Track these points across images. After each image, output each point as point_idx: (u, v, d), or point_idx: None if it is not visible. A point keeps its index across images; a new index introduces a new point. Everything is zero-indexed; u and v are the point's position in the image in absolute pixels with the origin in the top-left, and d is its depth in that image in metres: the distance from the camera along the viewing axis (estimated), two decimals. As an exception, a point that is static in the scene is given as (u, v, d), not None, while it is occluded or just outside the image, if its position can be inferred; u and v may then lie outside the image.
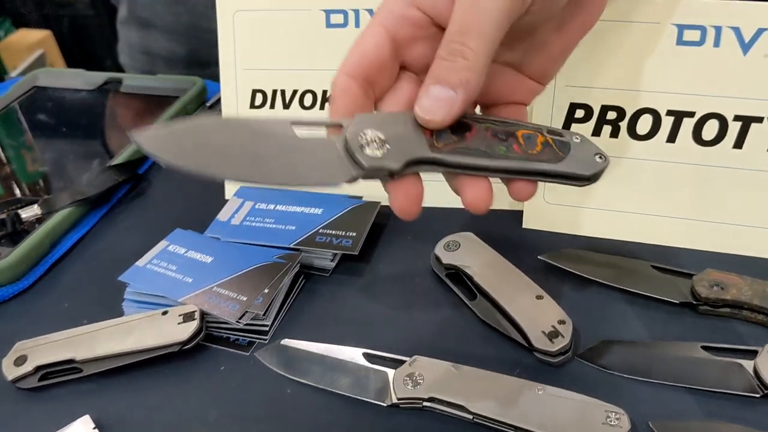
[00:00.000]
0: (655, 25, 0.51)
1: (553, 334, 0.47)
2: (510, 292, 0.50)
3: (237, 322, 0.50)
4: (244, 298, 0.51)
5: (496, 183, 0.39)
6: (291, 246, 0.56)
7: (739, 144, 0.52)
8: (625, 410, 0.42)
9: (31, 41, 2.10)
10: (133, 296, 0.54)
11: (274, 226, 0.58)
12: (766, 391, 0.43)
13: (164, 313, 0.50)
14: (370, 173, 0.36)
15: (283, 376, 0.48)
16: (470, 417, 0.43)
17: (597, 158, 0.39)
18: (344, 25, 0.59)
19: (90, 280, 0.58)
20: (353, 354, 0.48)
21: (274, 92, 0.62)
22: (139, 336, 0.49)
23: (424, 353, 0.47)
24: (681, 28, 0.51)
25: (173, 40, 0.94)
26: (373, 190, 0.60)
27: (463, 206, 0.39)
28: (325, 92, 0.61)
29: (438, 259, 0.54)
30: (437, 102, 0.37)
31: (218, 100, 0.77)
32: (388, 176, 0.37)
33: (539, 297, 0.49)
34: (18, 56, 2.05)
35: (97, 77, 0.83)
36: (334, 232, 0.56)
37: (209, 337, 0.51)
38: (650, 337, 0.49)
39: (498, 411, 0.43)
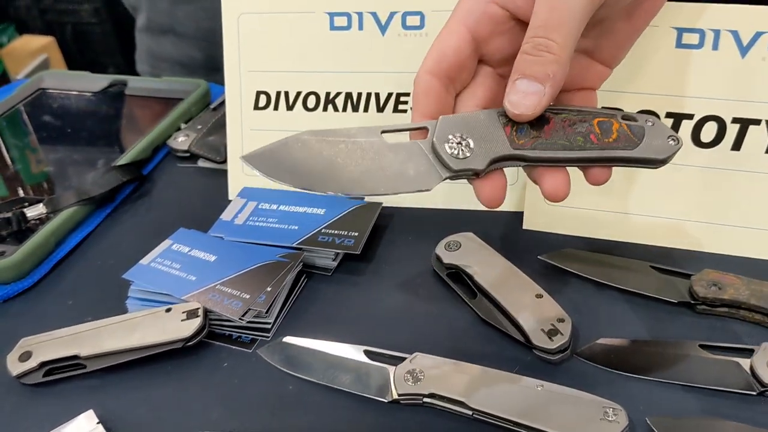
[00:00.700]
0: (655, 29, 0.52)
1: (552, 332, 0.47)
2: (510, 291, 0.50)
3: (240, 319, 0.50)
4: (247, 296, 0.52)
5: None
6: (294, 245, 0.56)
7: (737, 146, 0.53)
8: (623, 407, 0.42)
9: (35, 47, 2.11)
10: (137, 294, 0.54)
11: (277, 225, 0.59)
12: (762, 389, 0.44)
13: (168, 310, 0.51)
14: (458, 175, 0.38)
15: (285, 372, 0.49)
16: (470, 413, 0.44)
17: (670, 141, 0.40)
18: (348, 27, 0.60)
19: (94, 279, 0.59)
20: (354, 351, 0.49)
21: (278, 94, 0.63)
22: (143, 333, 0.50)
23: (425, 351, 0.47)
24: (680, 31, 0.52)
25: (193, 45, 0.96)
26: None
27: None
28: (328, 94, 0.62)
29: (439, 258, 0.55)
30: (526, 96, 0.38)
31: (222, 102, 0.77)
32: (473, 175, 0.39)
33: (539, 296, 0.50)
34: (21, 62, 2.06)
35: (102, 80, 0.84)
36: (336, 231, 0.57)
37: (212, 334, 0.52)
38: (649, 335, 0.49)
39: (497, 407, 0.43)
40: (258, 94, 0.63)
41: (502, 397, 0.44)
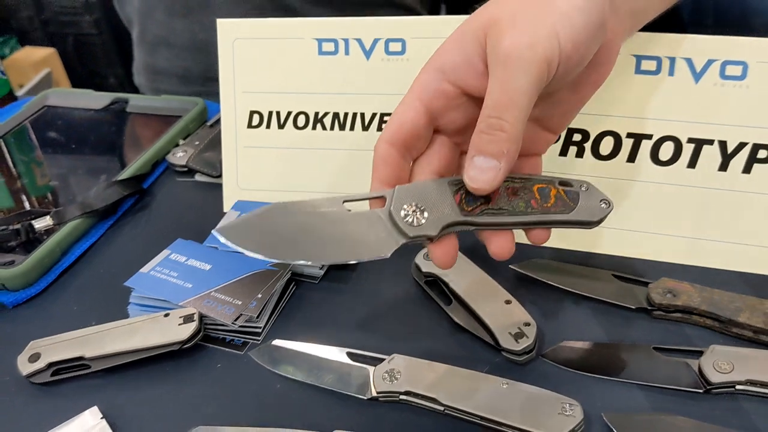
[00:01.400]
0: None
1: (518, 335, 0.51)
2: (482, 297, 0.54)
3: (232, 323, 0.54)
4: (239, 302, 0.56)
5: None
6: (283, 255, 0.60)
7: (692, 164, 0.57)
8: (582, 404, 0.46)
9: (36, 59, 2.14)
10: (137, 300, 0.58)
11: (268, 236, 0.63)
12: (708, 387, 0.48)
13: (166, 315, 0.55)
14: (413, 240, 0.42)
15: (274, 373, 0.53)
16: (441, 409, 0.48)
17: (602, 204, 0.44)
18: (335, 52, 0.64)
19: (97, 286, 0.63)
20: (338, 353, 0.53)
21: (270, 113, 0.67)
22: (143, 336, 0.54)
23: (403, 353, 0.51)
24: (639, 58, 0.57)
25: (188, 57, 0.98)
26: (358, 206, 0.65)
27: None
28: (317, 114, 0.66)
29: (418, 267, 0.59)
30: (483, 172, 0.41)
31: (218, 120, 0.82)
32: (427, 240, 0.42)
33: (508, 302, 0.54)
34: (23, 73, 2.09)
35: (105, 98, 0.88)
36: (323, 242, 0.61)
37: (207, 337, 0.56)
38: (608, 339, 0.53)
39: (466, 403, 0.47)
40: (251, 113, 0.68)
41: (471, 394, 0.48)
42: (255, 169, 0.68)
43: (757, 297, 0.53)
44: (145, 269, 0.60)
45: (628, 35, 0.49)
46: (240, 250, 0.41)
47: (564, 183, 0.44)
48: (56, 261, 0.65)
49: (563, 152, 0.59)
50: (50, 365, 0.53)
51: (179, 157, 0.76)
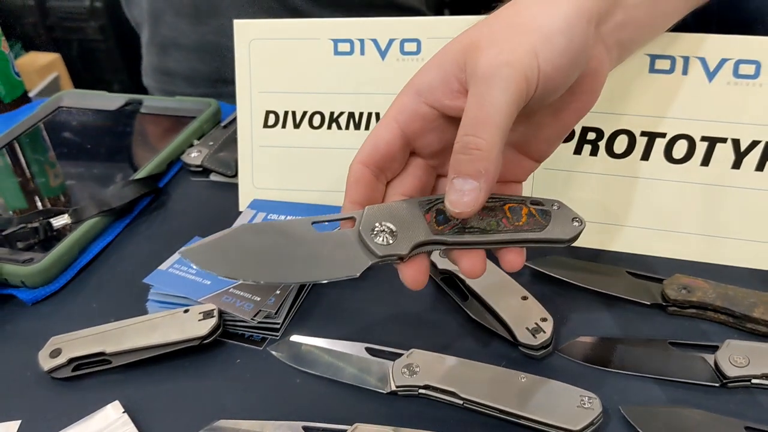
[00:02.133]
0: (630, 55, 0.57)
1: (535, 330, 0.52)
2: (498, 293, 0.55)
3: (252, 319, 0.55)
4: (258, 299, 0.56)
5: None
6: (300, 253, 0.61)
7: (705, 162, 0.57)
8: (599, 398, 0.47)
9: (41, 64, 2.14)
10: (156, 297, 0.59)
11: (284, 234, 0.63)
12: (724, 381, 0.49)
13: (186, 311, 0.55)
14: (383, 260, 0.42)
15: (293, 367, 0.53)
16: (460, 402, 0.48)
17: (575, 223, 0.44)
18: (350, 53, 0.65)
19: (115, 283, 0.64)
20: (356, 348, 0.53)
21: (286, 113, 0.68)
22: (163, 331, 0.54)
23: (420, 348, 0.52)
24: (653, 57, 0.57)
25: (197, 59, 0.99)
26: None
27: None
28: (332, 114, 0.67)
29: (434, 264, 0.59)
30: (464, 194, 0.40)
31: (232, 120, 0.82)
32: (398, 260, 0.42)
33: (524, 298, 0.54)
34: (28, 78, 2.08)
35: (119, 99, 0.89)
36: (339, 240, 0.62)
37: (226, 333, 0.56)
38: (623, 334, 0.54)
39: (485, 396, 0.48)
40: (267, 113, 0.68)
41: (489, 388, 0.48)
42: (270, 169, 0.69)
43: (771, 293, 0.53)
44: (163, 266, 0.61)
45: (616, 64, 0.49)
46: (208, 272, 0.41)
47: (535, 202, 0.44)
48: (74, 259, 0.65)
49: (577, 150, 0.60)
50: (71, 360, 0.54)
51: (194, 156, 0.77)
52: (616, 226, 0.61)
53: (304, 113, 0.67)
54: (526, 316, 0.53)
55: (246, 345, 0.56)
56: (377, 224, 0.42)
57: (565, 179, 0.61)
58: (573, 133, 0.60)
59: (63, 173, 0.80)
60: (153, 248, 0.66)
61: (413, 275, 0.42)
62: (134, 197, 0.71)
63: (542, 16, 0.42)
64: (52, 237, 0.66)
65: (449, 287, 0.58)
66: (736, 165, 0.57)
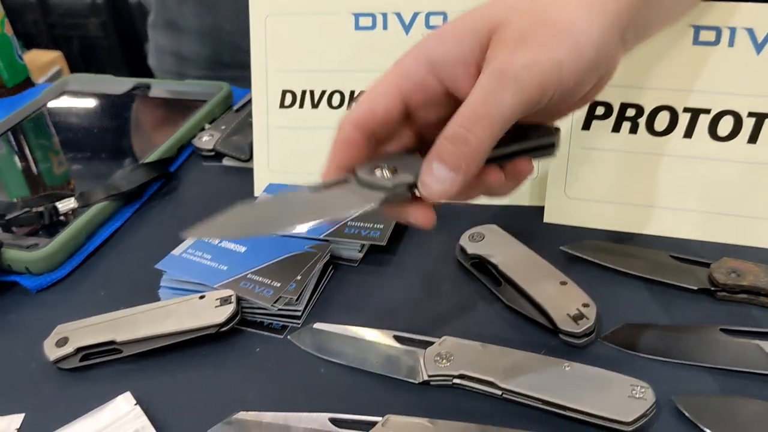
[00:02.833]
0: (673, 26, 0.53)
1: (578, 317, 0.48)
2: (535, 278, 0.52)
3: (272, 306, 0.52)
4: (278, 284, 0.53)
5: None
6: (321, 237, 0.58)
7: (753, 139, 0.54)
8: (648, 386, 0.43)
9: (43, 61, 2.13)
10: (169, 283, 0.56)
11: (304, 218, 0.60)
12: (783, 369, 0.45)
13: (201, 297, 0.52)
14: (393, 191, 0.39)
15: (316, 357, 0.50)
16: (499, 393, 0.45)
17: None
18: (373, 27, 0.62)
19: (125, 270, 0.60)
20: (384, 336, 0.50)
21: (303, 92, 0.65)
22: (178, 319, 0.51)
23: (453, 336, 0.48)
24: (697, 29, 0.54)
25: (198, 42, 0.97)
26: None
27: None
28: (353, 93, 0.63)
29: (463, 249, 0.56)
30: (436, 182, 0.38)
31: (245, 104, 0.79)
32: (408, 191, 0.39)
33: (563, 282, 0.51)
34: (31, 76, 2.08)
35: (126, 83, 0.86)
36: (362, 224, 0.58)
37: (243, 321, 0.53)
38: (670, 321, 0.50)
39: (526, 387, 0.44)
40: (284, 92, 0.65)
41: (531, 377, 0.45)
42: (287, 151, 0.66)
43: (826, 277, 0.50)
44: (176, 251, 0.57)
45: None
46: (221, 238, 0.39)
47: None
48: (81, 244, 0.62)
49: (616, 128, 0.57)
50: (79, 350, 0.51)
51: (206, 141, 0.74)
52: (657, 209, 0.57)
53: (323, 92, 0.64)
54: (566, 302, 0.49)
55: (266, 333, 0.53)
56: (377, 169, 0.40)
57: (603, 158, 0.58)
58: (611, 109, 0.57)
59: (69, 159, 0.77)
60: (164, 234, 0.63)
61: (425, 213, 0.41)
62: (144, 181, 0.68)
63: (580, 22, 0.39)
64: (58, 222, 0.63)
65: (480, 272, 0.55)
66: (786, 142, 0.53)
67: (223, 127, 0.76)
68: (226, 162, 0.73)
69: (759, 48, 0.53)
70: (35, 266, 0.59)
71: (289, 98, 0.65)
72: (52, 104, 0.84)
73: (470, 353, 0.47)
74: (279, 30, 0.64)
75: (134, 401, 0.48)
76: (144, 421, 0.46)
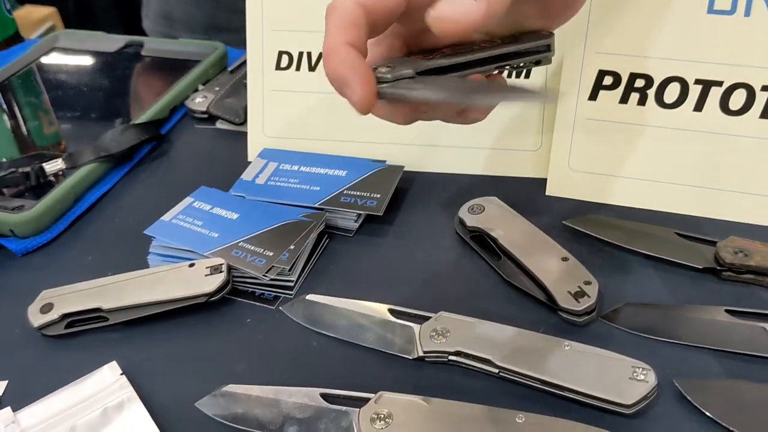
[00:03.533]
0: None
1: (579, 294, 0.47)
2: (535, 253, 0.50)
3: (264, 275, 0.50)
4: (270, 254, 0.51)
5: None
6: (316, 206, 0.56)
7: (766, 114, 0.52)
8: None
9: (37, 17, 2.09)
10: (158, 250, 0.54)
11: (298, 186, 0.58)
12: (789, 354, 0.44)
13: (191, 265, 0.51)
14: (394, 83, 0.36)
15: (308, 329, 0.49)
16: (496, 371, 0.44)
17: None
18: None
19: (113, 235, 0.59)
20: (378, 309, 0.49)
21: (300, 54, 0.62)
22: (167, 287, 0.50)
23: (449, 311, 0.47)
24: (712, -4, 0.52)
25: (193, 5, 0.95)
26: (395, 157, 0.60)
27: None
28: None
29: (462, 222, 0.54)
30: (456, 8, 0.34)
31: (240, 65, 0.77)
32: (412, 77, 0.37)
33: (565, 258, 0.49)
34: (24, 31, 2.04)
35: (118, 40, 0.83)
36: (358, 193, 0.57)
37: (235, 291, 0.52)
38: (673, 301, 0.49)
39: (524, 365, 0.43)
40: (280, 53, 0.63)
41: (529, 356, 0.43)
42: (283, 115, 0.64)
43: (837, 259, 0.48)
44: (166, 217, 0.56)
45: None
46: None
47: None
48: (69, 207, 0.60)
49: (623, 99, 0.55)
50: (64, 317, 0.49)
51: (199, 102, 0.72)
52: (663, 184, 0.56)
53: (320, 55, 0.61)
54: (568, 279, 0.48)
55: (257, 304, 0.51)
56: (380, 67, 0.37)
57: (609, 130, 0.56)
58: (619, 79, 0.55)
59: (58, 117, 0.75)
60: (155, 198, 0.61)
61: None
62: (134, 143, 0.65)
63: None
64: (45, 183, 0.61)
65: (480, 246, 0.53)
66: (801, 118, 0.51)
67: (217, 89, 0.73)
68: (219, 125, 0.71)
69: (776, 18, 0.51)
70: (20, 229, 0.57)
71: (285, 60, 0.63)
72: (42, 61, 0.82)
73: (467, 330, 0.46)
74: (276, -13, 0.62)
75: (120, 371, 0.46)
76: (130, 391, 0.45)
